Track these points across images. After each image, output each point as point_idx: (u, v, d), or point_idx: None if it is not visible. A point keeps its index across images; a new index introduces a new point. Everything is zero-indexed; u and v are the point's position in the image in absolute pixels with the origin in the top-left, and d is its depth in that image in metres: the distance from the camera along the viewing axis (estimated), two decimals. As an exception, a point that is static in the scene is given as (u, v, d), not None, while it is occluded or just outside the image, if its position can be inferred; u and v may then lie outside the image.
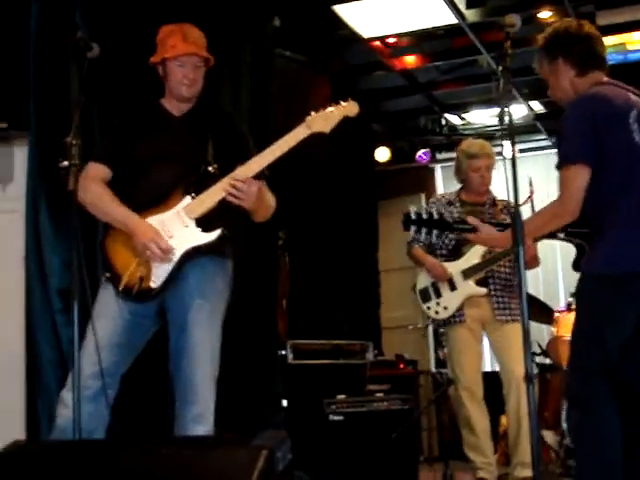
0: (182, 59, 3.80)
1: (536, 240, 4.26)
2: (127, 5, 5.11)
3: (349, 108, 3.86)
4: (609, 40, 7.78)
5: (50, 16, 4.89)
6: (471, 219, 3.80)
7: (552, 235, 3.71)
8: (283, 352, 6.15)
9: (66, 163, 3.30)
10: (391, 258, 9.40)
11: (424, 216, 3.78)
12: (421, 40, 7.94)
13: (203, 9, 5.58)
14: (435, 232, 3.87)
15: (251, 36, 6.13)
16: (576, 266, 3.79)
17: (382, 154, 9.99)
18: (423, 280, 5.62)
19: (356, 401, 6.01)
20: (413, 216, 3.84)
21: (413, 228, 3.83)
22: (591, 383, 3.49)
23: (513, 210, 3.14)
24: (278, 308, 6.57)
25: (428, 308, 5.58)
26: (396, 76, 8.58)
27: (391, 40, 7.87)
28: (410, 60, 8.29)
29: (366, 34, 7.51)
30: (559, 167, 3.50)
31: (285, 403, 5.97)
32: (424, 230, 3.83)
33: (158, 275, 3.65)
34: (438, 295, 5.54)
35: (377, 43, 7.85)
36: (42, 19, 4.90)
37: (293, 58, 7.50)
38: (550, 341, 6.43)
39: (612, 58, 8.11)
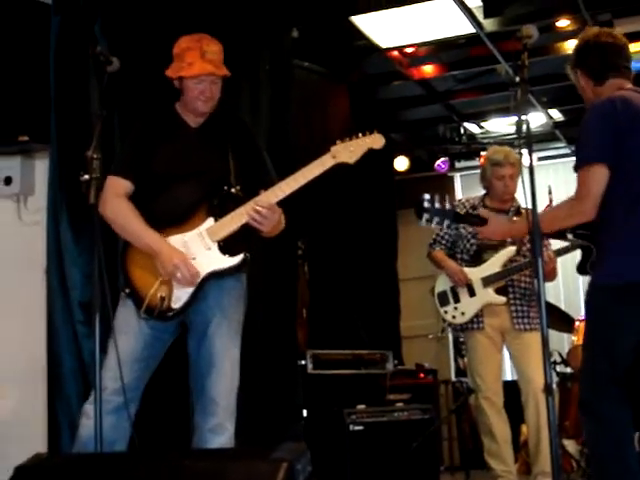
0: (200, 77, 3.79)
1: (549, 236, 4.21)
2: (146, 18, 5.15)
3: (375, 140, 3.82)
4: (633, 47, 7.76)
5: (70, 30, 4.93)
6: (483, 211, 3.81)
7: (561, 235, 3.71)
8: (303, 362, 6.17)
9: (87, 177, 3.31)
10: (410, 267, 9.40)
11: (437, 205, 3.76)
12: (439, 49, 7.95)
13: (222, 20, 5.61)
14: (446, 222, 3.85)
15: (270, 47, 6.17)
16: (581, 269, 3.80)
17: (401, 163, 10.00)
18: (442, 283, 5.62)
19: (376, 411, 6.02)
20: (426, 204, 3.78)
21: (425, 216, 3.80)
22: (601, 390, 3.51)
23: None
24: (298, 318, 6.58)
25: (445, 312, 5.58)
26: (414, 85, 8.59)
27: (409, 50, 7.87)
28: (428, 69, 8.30)
29: (384, 44, 7.52)
30: (577, 167, 3.49)
31: (305, 413, 5.98)
32: (435, 219, 3.80)
33: (180, 296, 3.67)
34: (456, 300, 5.54)
35: (395, 53, 7.86)
36: (62, 33, 4.93)
37: (311, 69, 7.52)
38: (571, 350, 6.42)
39: (636, 67, 8.09)
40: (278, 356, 5.83)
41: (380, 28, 7.16)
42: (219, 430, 3.66)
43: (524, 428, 6.00)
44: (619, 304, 3.48)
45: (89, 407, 3.51)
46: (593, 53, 3.76)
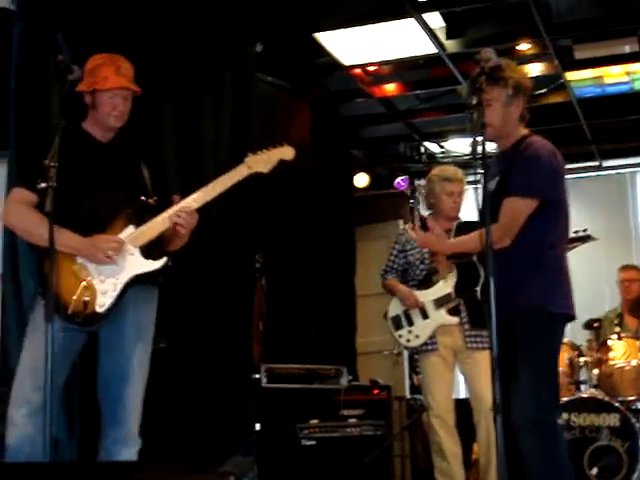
0: (114, 91, 3.88)
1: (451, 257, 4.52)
2: (109, 28, 5.15)
3: (285, 152, 4.04)
4: (587, 73, 7.90)
5: (33, 37, 4.91)
6: (431, 220, 3.94)
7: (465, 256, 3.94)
8: (257, 376, 6.16)
9: (44, 185, 3.32)
10: (368, 283, 9.40)
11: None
12: (401, 69, 8.00)
13: (187, 31, 5.63)
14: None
15: (233, 60, 6.19)
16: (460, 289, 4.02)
17: (361, 180, 10.03)
18: (395, 308, 5.68)
19: (329, 426, 6.03)
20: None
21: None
22: (552, 406, 3.71)
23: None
24: (254, 331, 6.58)
25: (400, 336, 5.63)
26: (376, 103, 8.63)
27: (371, 68, 7.93)
28: (390, 88, 8.35)
29: (347, 61, 7.56)
30: (515, 193, 3.63)
31: (258, 427, 5.97)
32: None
33: (104, 301, 3.73)
34: (410, 323, 5.59)
35: (358, 71, 7.91)
36: (25, 39, 4.91)
37: (274, 83, 7.55)
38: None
39: (590, 91, 8.24)
40: (232, 369, 5.83)
41: (343, 45, 7.20)
42: (130, 442, 3.76)
43: (475, 447, 6.04)
44: (561, 332, 3.86)
45: (14, 412, 3.58)
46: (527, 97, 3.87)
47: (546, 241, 3.77)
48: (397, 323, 5.64)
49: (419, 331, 5.54)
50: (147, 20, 5.31)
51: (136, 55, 4.07)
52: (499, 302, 3.46)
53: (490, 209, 3.50)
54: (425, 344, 5.53)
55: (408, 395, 9.39)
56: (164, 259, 3.84)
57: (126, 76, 3.90)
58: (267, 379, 6.20)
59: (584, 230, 4.99)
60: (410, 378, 9.70)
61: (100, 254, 3.69)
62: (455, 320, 5.45)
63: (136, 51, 4.09)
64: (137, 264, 3.78)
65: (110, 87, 3.86)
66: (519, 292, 3.74)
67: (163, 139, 5.57)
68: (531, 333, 3.71)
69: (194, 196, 3.83)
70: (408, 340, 5.58)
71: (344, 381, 6.75)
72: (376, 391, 7.90)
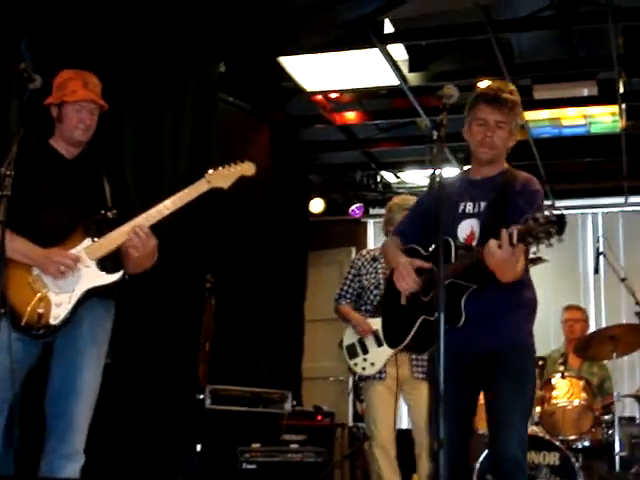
0: (81, 104, 3.90)
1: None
2: (73, 38, 5.13)
3: (246, 168, 4.04)
4: (545, 114, 8.02)
5: (-5, 44, 4.88)
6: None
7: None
8: (201, 396, 6.12)
9: (-1, 193, 3.30)
10: (318, 309, 9.41)
11: None
12: (363, 98, 8.07)
13: (150, 49, 5.62)
14: None
15: (195, 78, 6.19)
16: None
17: (317, 205, 10.06)
18: (349, 337, 5.68)
19: (270, 450, 6.01)
20: None
21: None
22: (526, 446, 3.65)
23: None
24: (201, 351, 6.55)
25: (355, 364, 5.62)
26: (336, 130, 8.68)
27: (333, 95, 7.99)
28: (350, 116, 8.41)
29: (309, 87, 7.60)
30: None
31: (199, 448, 5.93)
32: None
33: (59, 312, 3.70)
34: (365, 351, 5.59)
35: (319, 97, 7.96)
36: (-14, 46, 4.88)
37: (236, 104, 7.57)
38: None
39: (547, 132, 8.36)
40: (177, 388, 5.79)
41: (306, 71, 7.25)
42: (75, 457, 3.73)
43: (415, 478, 6.05)
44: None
45: None
46: None
47: (525, 280, 3.73)
48: (352, 352, 5.64)
49: (374, 359, 5.54)
50: (112, 34, 5.30)
51: (98, 68, 4.07)
52: (477, 336, 3.48)
53: (484, 231, 3.53)
54: (376, 372, 5.54)
55: (351, 423, 9.39)
56: (120, 272, 3.82)
57: (93, 91, 3.92)
58: (211, 400, 6.16)
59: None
60: (354, 405, 9.69)
61: (52, 267, 3.67)
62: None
63: (99, 64, 4.10)
64: (93, 277, 3.76)
65: (77, 99, 3.88)
66: (505, 329, 3.65)
67: (122, 154, 5.55)
68: (523, 369, 3.65)
69: (150, 211, 3.81)
70: (363, 368, 5.57)
71: (288, 406, 6.74)
72: (319, 417, 7.90)
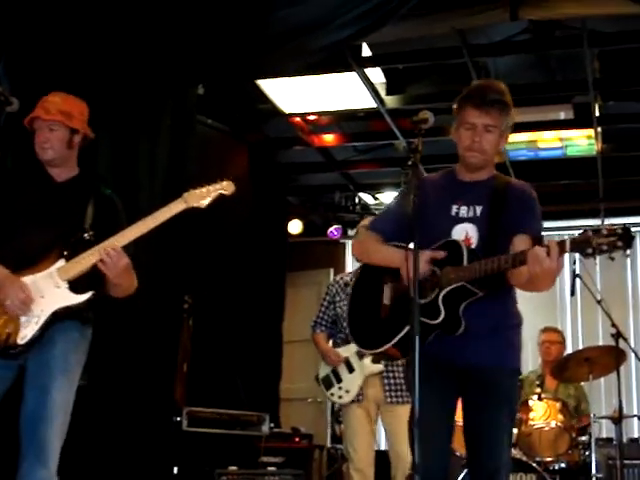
0: (37, 123, 3.90)
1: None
2: (51, 61, 5.13)
3: (225, 186, 3.99)
4: (521, 137, 8.08)
5: (-28, 67, 4.88)
6: None
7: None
8: (178, 418, 6.10)
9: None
10: (296, 330, 9.41)
11: None
12: (341, 120, 8.11)
13: (128, 70, 5.62)
14: None
15: (173, 100, 6.19)
16: None
17: (295, 226, 10.07)
18: (324, 369, 5.73)
19: (247, 473, 5.99)
20: None
21: None
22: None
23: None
24: (178, 372, 6.53)
25: (332, 395, 5.65)
26: (314, 152, 8.72)
27: (311, 117, 8.02)
28: (328, 138, 8.46)
29: (287, 109, 7.64)
30: (539, 241, 3.43)
31: (176, 471, 5.90)
32: None
33: (26, 333, 3.68)
34: (339, 380, 5.62)
35: (297, 119, 7.99)
36: (-37, 69, 4.88)
37: (214, 126, 7.58)
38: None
39: (523, 154, 8.42)
40: (153, 410, 5.77)
41: (285, 93, 7.28)
42: None
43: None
44: None
45: None
46: None
47: (515, 296, 3.65)
48: (327, 383, 5.69)
49: (348, 386, 5.56)
50: (90, 56, 5.30)
51: (76, 90, 4.06)
52: (472, 348, 3.38)
53: (484, 237, 3.44)
54: (352, 399, 5.55)
55: (329, 444, 9.37)
56: (89, 293, 3.79)
57: (44, 107, 3.88)
58: (188, 422, 6.14)
59: None
60: (332, 427, 9.67)
61: (2, 296, 3.66)
62: (380, 367, 5.49)
63: (76, 86, 4.08)
64: (62, 298, 3.75)
65: (30, 117, 3.89)
66: (501, 347, 3.52)
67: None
68: (514, 391, 3.59)
69: (125, 232, 3.80)
70: (340, 397, 5.61)
71: (265, 428, 6.72)
72: (297, 439, 7.88)
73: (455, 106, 3.69)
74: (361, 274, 3.84)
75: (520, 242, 3.44)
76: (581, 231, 3.10)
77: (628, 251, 3.13)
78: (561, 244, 3.13)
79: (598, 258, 3.12)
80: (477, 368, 3.45)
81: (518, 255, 3.24)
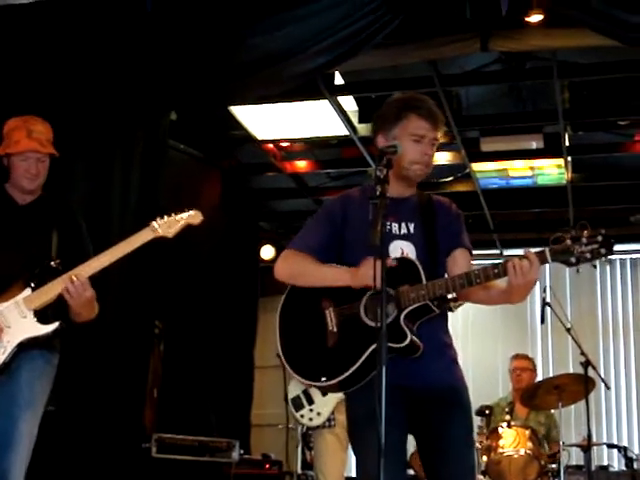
0: (25, 154, 3.89)
1: None
2: (22, 87, 5.14)
3: (193, 217, 3.99)
4: (492, 165, 8.15)
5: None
6: None
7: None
8: (147, 445, 6.06)
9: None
10: (268, 355, 9.37)
11: None
12: (313, 147, 8.15)
13: (101, 96, 5.63)
14: None
15: (146, 126, 6.20)
16: None
17: (267, 252, 10.07)
18: (294, 389, 5.68)
19: (217, 501, 5.95)
20: None
21: None
22: None
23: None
24: (148, 398, 6.50)
25: (302, 416, 5.60)
26: (286, 178, 8.75)
27: (284, 144, 8.06)
28: (301, 165, 8.49)
29: (260, 136, 7.68)
30: (470, 254, 3.50)
31: (145, 498, 5.87)
32: None
33: None
34: (310, 402, 5.58)
35: (270, 145, 8.02)
36: None
37: (187, 151, 7.59)
38: (413, 453, 6.50)
39: (494, 183, 8.49)
40: (122, 437, 5.73)
41: (258, 120, 7.32)
42: None
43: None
44: None
45: None
46: None
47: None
48: (297, 404, 5.63)
49: (320, 408, 5.53)
50: (62, 82, 5.31)
51: (48, 116, 4.07)
52: (428, 369, 3.28)
53: (426, 253, 3.37)
54: (323, 421, 5.53)
55: (300, 470, 9.33)
56: (55, 324, 3.79)
57: (38, 139, 3.90)
58: (157, 449, 6.09)
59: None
60: (302, 453, 9.64)
61: None
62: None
63: (48, 112, 4.09)
64: (28, 328, 3.74)
65: (20, 151, 3.88)
66: (453, 364, 3.44)
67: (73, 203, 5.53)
68: (470, 407, 3.44)
69: (91, 261, 3.80)
70: (310, 419, 5.56)
71: (235, 454, 6.69)
72: (267, 466, 7.85)
73: (389, 113, 3.48)
74: (289, 299, 3.65)
75: (461, 257, 3.45)
76: (556, 236, 3.09)
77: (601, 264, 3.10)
78: (541, 254, 3.12)
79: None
80: (437, 388, 3.33)
81: (491, 269, 3.19)
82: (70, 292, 3.70)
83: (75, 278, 3.70)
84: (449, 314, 3.57)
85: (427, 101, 3.47)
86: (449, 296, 3.40)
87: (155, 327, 6.79)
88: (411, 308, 3.24)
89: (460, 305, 5.68)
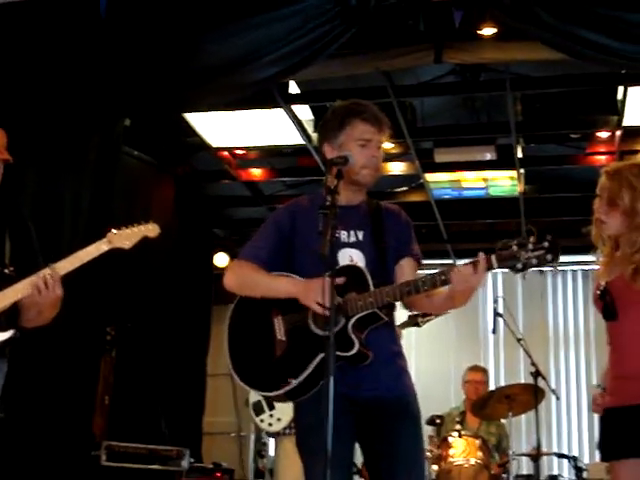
0: None
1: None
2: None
3: (150, 229, 3.95)
4: (445, 176, 8.22)
5: None
6: None
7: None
8: (96, 452, 6.02)
9: None
10: (221, 363, 9.30)
11: None
12: (268, 155, 8.16)
13: (55, 102, 5.59)
14: None
15: (99, 132, 6.16)
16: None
17: (221, 259, 10.03)
18: (255, 393, 5.64)
19: (166, 509, 5.92)
20: None
21: None
22: None
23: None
24: (99, 405, 6.45)
25: (261, 421, 5.60)
26: (241, 186, 8.73)
27: (239, 152, 8.05)
28: (256, 173, 8.49)
29: (215, 143, 7.66)
30: (419, 264, 3.52)
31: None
32: None
33: None
34: (271, 407, 5.56)
35: (225, 153, 8.01)
36: None
37: (141, 158, 7.56)
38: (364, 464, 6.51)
39: (447, 193, 8.56)
40: (71, 445, 5.69)
41: (213, 127, 7.30)
42: None
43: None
44: None
45: None
46: None
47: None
48: (258, 408, 5.61)
49: (280, 414, 5.52)
50: (16, 88, 5.27)
51: (1, 121, 4.03)
52: (376, 378, 3.27)
53: (374, 261, 3.36)
54: (283, 427, 5.52)
55: (252, 479, 9.32)
56: (11, 331, 3.73)
57: None
58: (107, 457, 6.06)
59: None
60: (255, 462, 9.63)
61: None
62: None
63: (1, 117, 4.05)
64: None
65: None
66: (403, 373, 3.43)
67: (24, 208, 5.48)
68: (419, 417, 3.45)
69: (53, 266, 3.70)
70: (270, 424, 5.55)
71: (185, 463, 6.65)
72: (218, 474, 7.81)
73: (333, 121, 3.49)
74: (238, 309, 3.63)
75: (408, 266, 3.47)
76: (502, 242, 3.12)
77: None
78: (487, 260, 3.13)
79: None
80: (386, 397, 3.32)
81: (438, 275, 3.19)
82: (47, 285, 3.62)
83: (49, 276, 3.63)
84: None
85: (369, 106, 3.49)
86: (415, 312, 3.42)
87: (107, 334, 6.73)
88: (359, 316, 3.23)
89: (429, 320, 5.68)
